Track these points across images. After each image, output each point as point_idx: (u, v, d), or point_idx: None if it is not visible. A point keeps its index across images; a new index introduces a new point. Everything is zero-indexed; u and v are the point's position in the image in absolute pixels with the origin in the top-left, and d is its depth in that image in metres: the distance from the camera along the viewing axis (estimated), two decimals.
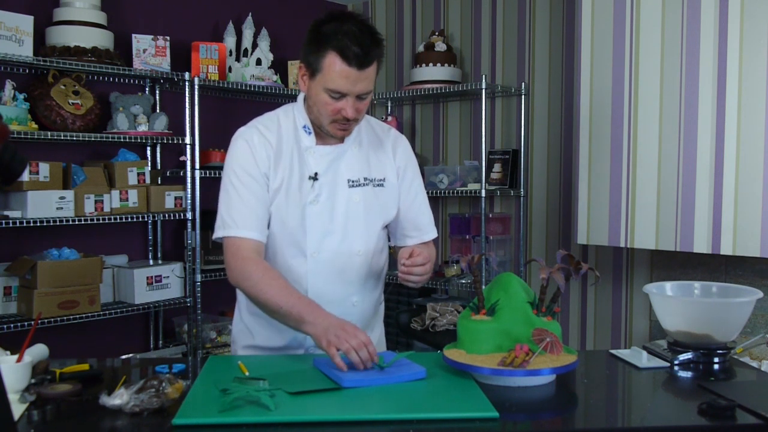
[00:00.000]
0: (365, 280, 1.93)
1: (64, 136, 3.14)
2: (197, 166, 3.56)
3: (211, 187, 3.88)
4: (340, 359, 1.59)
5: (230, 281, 1.83)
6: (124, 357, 1.65)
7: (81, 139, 3.24)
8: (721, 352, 1.83)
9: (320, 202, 1.86)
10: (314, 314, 1.69)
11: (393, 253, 1.99)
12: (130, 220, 3.36)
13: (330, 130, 1.82)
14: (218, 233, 1.83)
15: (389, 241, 2.07)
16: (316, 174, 1.86)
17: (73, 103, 3.21)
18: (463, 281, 3.83)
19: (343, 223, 1.87)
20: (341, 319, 1.68)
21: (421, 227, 2.02)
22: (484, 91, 3.69)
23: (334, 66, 1.72)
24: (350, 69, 1.72)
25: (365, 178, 1.91)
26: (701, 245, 2.85)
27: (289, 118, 1.90)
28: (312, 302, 1.75)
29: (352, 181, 1.89)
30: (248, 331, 1.98)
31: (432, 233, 2.04)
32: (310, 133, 1.87)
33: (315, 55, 1.75)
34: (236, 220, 1.80)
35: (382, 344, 2.08)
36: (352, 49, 1.70)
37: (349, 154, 1.90)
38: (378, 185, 1.93)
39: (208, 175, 3.61)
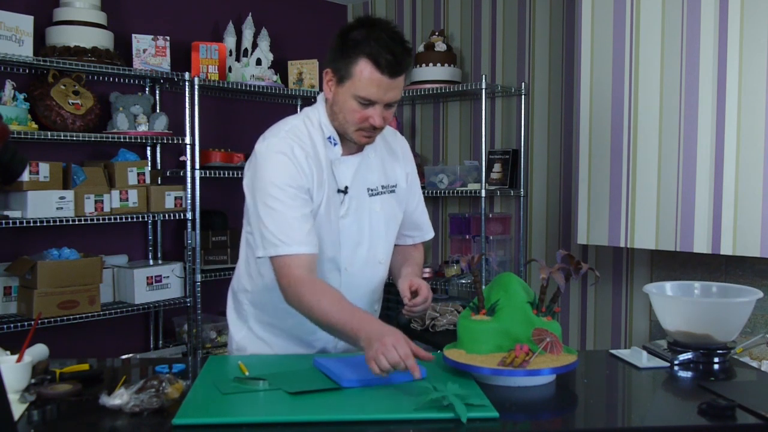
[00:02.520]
0: (381, 287, 2.00)
1: (64, 136, 3.14)
2: (197, 166, 3.56)
3: (211, 187, 3.88)
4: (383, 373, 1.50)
5: (286, 302, 1.75)
6: (124, 357, 1.65)
7: (81, 139, 3.24)
8: (721, 352, 1.83)
9: (350, 215, 1.85)
10: (362, 330, 1.58)
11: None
12: (130, 220, 3.36)
13: (354, 137, 1.79)
14: (268, 251, 1.73)
15: None
16: (346, 188, 1.83)
17: (73, 103, 3.21)
18: (463, 281, 3.83)
19: (368, 233, 1.88)
20: (383, 332, 1.53)
21: (422, 227, 2.07)
22: (484, 91, 3.69)
23: (364, 73, 1.69)
24: (382, 77, 1.69)
25: (383, 186, 1.91)
26: (701, 245, 2.85)
27: (316, 129, 1.83)
28: (361, 315, 1.64)
29: (371, 190, 1.89)
30: (263, 343, 1.95)
31: (431, 232, 2.09)
32: (335, 144, 1.82)
33: (345, 61, 1.72)
34: (289, 235, 1.71)
35: None
36: (385, 57, 1.67)
37: (367, 163, 1.89)
38: (391, 191, 1.93)
39: (208, 175, 3.61)
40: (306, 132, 1.81)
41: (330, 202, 1.81)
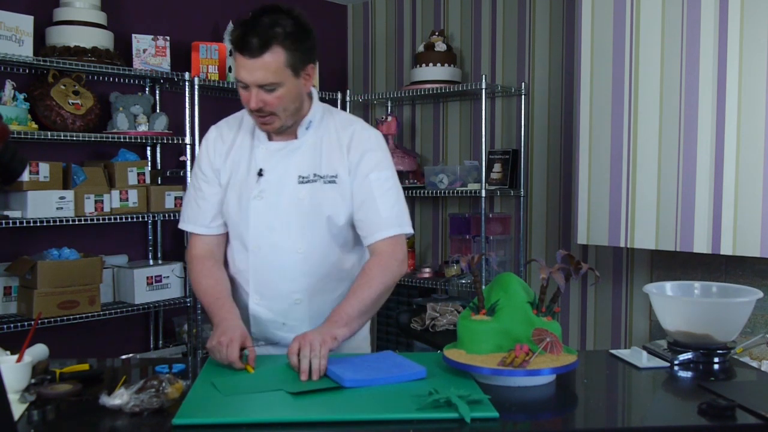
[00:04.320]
0: (312, 278, 1.89)
1: (64, 136, 3.14)
2: None
3: None
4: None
5: None
6: (124, 357, 1.66)
7: (81, 139, 3.24)
8: (721, 352, 1.83)
9: (264, 198, 1.87)
10: (215, 317, 1.81)
11: None
12: (130, 220, 3.36)
13: (255, 123, 1.86)
14: (180, 224, 2.02)
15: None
16: (261, 170, 1.88)
17: (73, 103, 3.21)
18: (463, 281, 3.83)
19: (285, 219, 1.86)
20: (226, 329, 1.72)
21: (372, 227, 1.87)
22: (484, 91, 3.69)
23: (235, 56, 1.77)
24: (243, 58, 1.74)
25: (315, 174, 1.88)
26: (701, 245, 2.85)
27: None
28: (221, 306, 1.82)
29: (302, 177, 1.88)
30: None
31: (383, 232, 1.86)
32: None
33: (231, 49, 1.83)
34: (187, 214, 1.98)
35: (359, 347, 2.02)
36: (244, 39, 1.72)
37: (302, 150, 1.89)
38: (329, 182, 1.88)
39: None
40: (240, 118, 1.97)
41: (242, 182, 1.90)
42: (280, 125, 1.83)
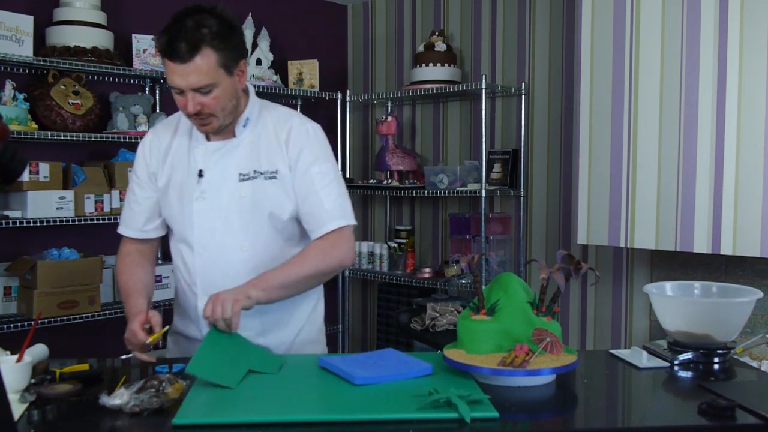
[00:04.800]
0: (258, 274, 1.85)
1: (64, 136, 3.14)
2: None
3: None
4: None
5: None
6: (124, 357, 1.67)
7: (81, 139, 3.24)
8: (721, 352, 1.83)
9: (206, 198, 1.87)
10: (126, 312, 1.87)
11: None
12: None
13: (195, 126, 1.86)
14: (118, 228, 2.04)
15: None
16: (201, 170, 1.88)
17: (73, 103, 3.21)
18: (463, 281, 3.83)
19: (228, 218, 1.87)
20: (130, 319, 1.80)
21: (318, 222, 1.87)
22: (484, 91, 3.69)
23: (165, 62, 1.76)
24: (174, 64, 1.73)
25: (255, 171, 1.88)
26: (701, 245, 2.85)
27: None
28: (131, 301, 1.86)
29: (243, 175, 1.87)
30: (174, 317, 2.10)
31: (329, 225, 1.86)
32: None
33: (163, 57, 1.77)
34: (123, 217, 2.01)
35: (306, 345, 2.01)
36: (171, 45, 1.71)
37: (241, 148, 1.89)
38: (270, 178, 1.87)
39: None
40: (175, 121, 1.97)
41: (182, 184, 1.90)
42: (218, 125, 1.83)
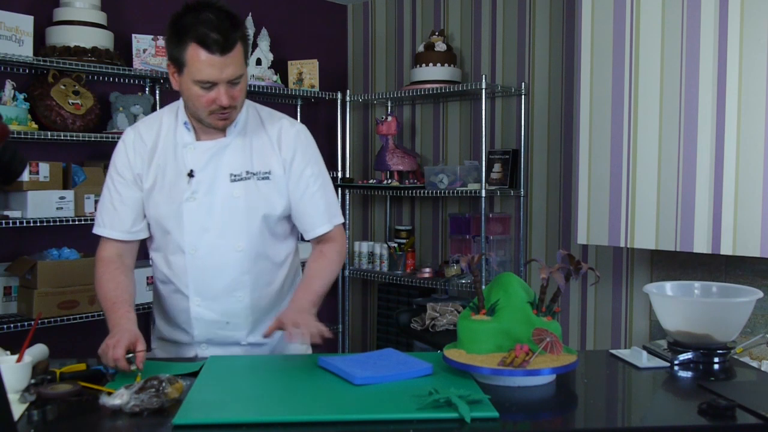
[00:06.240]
0: (251, 275, 1.90)
1: (64, 136, 3.14)
2: None
3: None
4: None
5: None
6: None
7: (81, 139, 3.24)
8: (721, 352, 1.83)
9: (197, 199, 1.85)
10: (110, 322, 1.79)
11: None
12: None
13: (211, 122, 1.81)
14: (94, 228, 1.97)
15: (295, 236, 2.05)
16: (191, 171, 1.85)
17: (73, 103, 3.21)
18: (463, 281, 3.83)
19: (221, 219, 1.86)
20: (115, 331, 1.71)
21: (314, 222, 1.94)
22: (484, 91, 3.69)
23: (197, 56, 1.71)
24: (213, 56, 1.70)
25: (248, 172, 1.87)
26: (701, 245, 2.85)
27: (172, 116, 1.91)
28: (116, 310, 1.79)
29: (234, 176, 1.87)
30: (155, 323, 2.06)
31: (323, 227, 1.94)
32: (190, 129, 1.87)
33: (177, 49, 1.74)
34: (103, 219, 1.92)
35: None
36: (211, 36, 1.69)
37: (232, 148, 1.88)
38: (263, 178, 1.88)
39: None
40: (158, 119, 1.92)
41: (171, 184, 1.86)
42: (235, 117, 1.84)
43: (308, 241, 2.00)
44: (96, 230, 1.95)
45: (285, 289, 2.01)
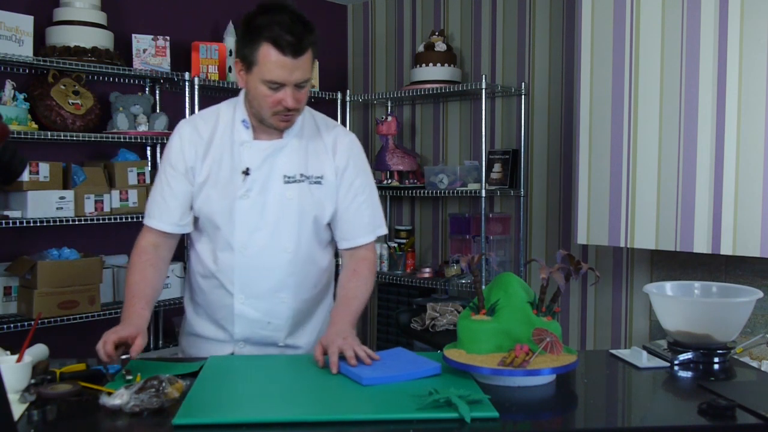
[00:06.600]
0: (297, 277, 1.92)
1: (64, 136, 3.14)
2: None
3: None
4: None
5: None
6: (124, 357, 1.66)
7: (81, 139, 3.24)
8: (721, 352, 1.83)
9: (251, 197, 1.85)
10: (122, 315, 1.79)
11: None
12: (130, 220, 3.36)
13: (273, 123, 1.82)
14: (144, 220, 1.94)
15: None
16: (247, 169, 1.86)
17: (73, 103, 3.21)
18: (463, 281, 3.83)
19: (273, 219, 1.87)
20: (118, 326, 1.72)
21: (356, 231, 1.96)
22: (484, 91, 3.69)
23: (269, 57, 1.72)
24: (285, 58, 1.71)
25: (302, 175, 1.89)
26: (701, 245, 2.85)
27: (230, 112, 1.91)
28: (133, 304, 1.79)
29: (288, 177, 1.88)
30: (187, 318, 2.04)
31: (364, 237, 1.97)
32: (248, 127, 1.88)
33: (249, 48, 1.75)
34: (153, 210, 1.91)
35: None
36: (285, 38, 1.70)
37: (288, 150, 1.89)
38: (315, 182, 1.90)
39: None
40: (216, 114, 1.92)
41: (226, 181, 1.86)
42: (296, 120, 1.86)
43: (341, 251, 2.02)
44: (145, 221, 1.93)
45: (323, 294, 2.04)
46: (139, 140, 3.45)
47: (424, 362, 1.67)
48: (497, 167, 3.90)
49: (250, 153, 1.87)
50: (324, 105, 4.48)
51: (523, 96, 3.85)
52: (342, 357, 1.66)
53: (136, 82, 3.65)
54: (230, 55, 3.86)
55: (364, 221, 1.96)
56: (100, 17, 3.34)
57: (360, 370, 1.59)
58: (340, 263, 2.03)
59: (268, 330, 1.93)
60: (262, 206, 1.86)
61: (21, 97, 3.10)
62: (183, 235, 1.95)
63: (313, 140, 1.93)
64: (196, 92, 3.55)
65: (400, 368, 1.62)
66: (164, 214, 1.89)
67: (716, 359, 1.82)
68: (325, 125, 1.97)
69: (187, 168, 1.88)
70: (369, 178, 2.00)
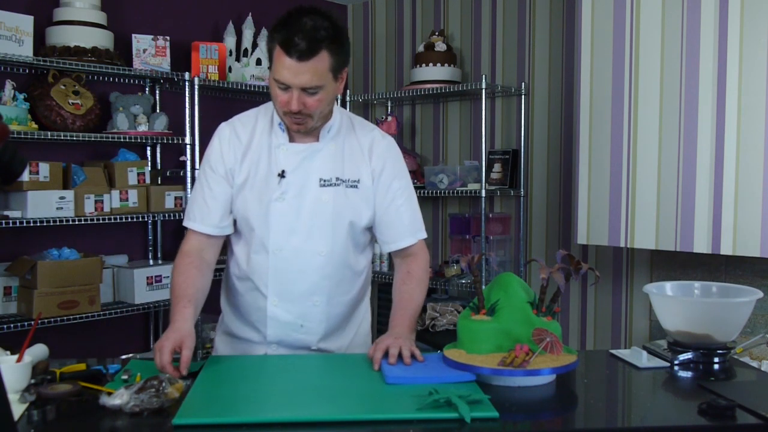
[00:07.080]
0: (331, 281, 1.91)
1: (64, 136, 3.14)
2: (197, 166, 3.55)
3: None
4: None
5: None
6: (124, 357, 1.66)
7: (81, 139, 3.24)
8: (721, 352, 1.83)
9: (286, 200, 1.85)
10: (171, 317, 1.78)
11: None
12: (130, 220, 3.36)
13: (287, 123, 1.83)
14: (185, 221, 1.95)
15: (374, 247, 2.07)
16: (283, 171, 1.86)
17: (73, 103, 3.21)
18: (463, 281, 3.83)
19: (308, 222, 1.86)
20: (169, 331, 1.69)
21: (397, 234, 1.96)
22: (484, 91, 3.69)
23: (279, 57, 1.74)
24: (291, 60, 1.71)
25: (338, 178, 1.89)
26: (701, 245, 2.85)
27: (268, 115, 1.92)
28: (176, 305, 1.78)
29: (324, 180, 1.87)
30: (223, 318, 2.05)
31: (406, 240, 1.97)
32: (284, 130, 1.88)
33: (269, 47, 1.79)
34: (194, 212, 1.91)
35: (355, 348, 2.02)
36: (294, 41, 1.70)
37: (324, 153, 1.89)
38: (351, 186, 1.90)
39: None
40: (254, 117, 1.94)
41: (262, 183, 1.87)
42: (311, 126, 1.84)
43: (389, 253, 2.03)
44: (186, 223, 1.94)
45: (358, 300, 2.03)
46: (139, 140, 3.45)
47: (456, 371, 1.61)
48: (497, 167, 3.90)
49: (286, 156, 1.87)
50: None
51: (523, 96, 3.85)
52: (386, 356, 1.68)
53: (136, 82, 3.65)
54: (230, 55, 3.86)
55: (405, 223, 1.96)
56: (100, 17, 3.34)
57: (390, 369, 1.58)
58: (386, 269, 2.02)
59: (301, 333, 1.92)
60: (297, 209, 1.86)
61: (21, 97, 3.10)
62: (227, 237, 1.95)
63: (349, 144, 1.92)
64: (196, 92, 3.55)
65: (429, 371, 1.61)
66: (205, 217, 1.90)
67: (716, 359, 1.82)
68: (362, 128, 1.97)
69: (226, 170, 1.89)
70: (407, 182, 1.99)
